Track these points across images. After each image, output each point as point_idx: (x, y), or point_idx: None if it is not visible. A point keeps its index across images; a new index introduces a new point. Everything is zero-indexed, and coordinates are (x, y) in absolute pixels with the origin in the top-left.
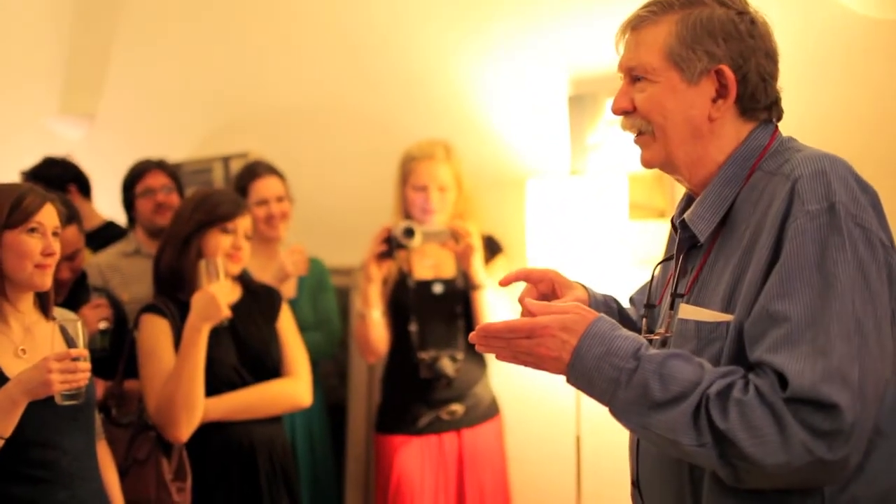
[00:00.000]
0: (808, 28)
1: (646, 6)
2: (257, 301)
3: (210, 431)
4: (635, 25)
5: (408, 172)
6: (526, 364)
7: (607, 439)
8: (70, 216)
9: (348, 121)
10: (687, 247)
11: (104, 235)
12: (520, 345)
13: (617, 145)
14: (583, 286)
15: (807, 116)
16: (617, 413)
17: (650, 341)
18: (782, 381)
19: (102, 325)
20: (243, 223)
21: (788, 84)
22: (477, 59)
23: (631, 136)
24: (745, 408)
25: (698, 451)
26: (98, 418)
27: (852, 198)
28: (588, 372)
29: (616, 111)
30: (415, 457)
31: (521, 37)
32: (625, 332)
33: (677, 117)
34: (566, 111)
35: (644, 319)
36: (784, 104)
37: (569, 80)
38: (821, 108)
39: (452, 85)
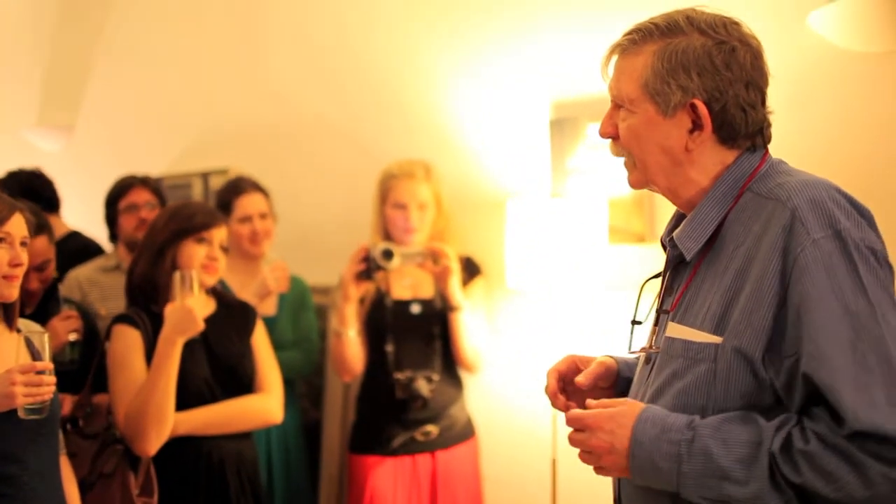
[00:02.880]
0: (789, 62)
1: (629, 32)
2: (231, 315)
3: (178, 446)
4: (620, 52)
5: (387, 190)
6: (589, 462)
7: (583, 463)
8: (40, 226)
9: (328, 139)
10: (674, 265)
11: (69, 246)
12: (574, 438)
13: (597, 169)
14: (607, 356)
15: (789, 149)
16: (690, 491)
17: (636, 357)
18: (836, 417)
19: (72, 337)
20: (219, 234)
21: (773, 118)
22: (459, 81)
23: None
24: (812, 457)
25: None
26: (60, 433)
27: (854, 222)
28: (650, 456)
29: (602, 135)
30: (388, 477)
31: (504, 60)
32: (677, 413)
33: (654, 148)
34: (547, 134)
35: (630, 336)
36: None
37: (550, 103)
38: (804, 140)
39: (434, 106)
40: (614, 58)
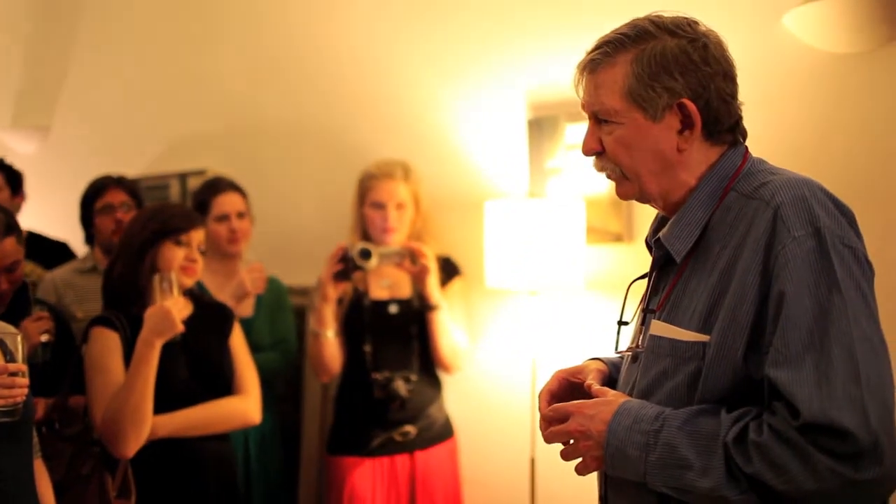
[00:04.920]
0: (766, 64)
1: (598, 47)
2: (209, 317)
3: (156, 448)
4: (591, 68)
5: (366, 190)
6: (568, 457)
7: (562, 461)
8: (9, 226)
9: (307, 141)
10: (660, 265)
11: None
12: (553, 429)
13: (575, 169)
14: (595, 359)
15: (766, 147)
16: (656, 481)
17: (621, 357)
18: (793, 410)
19: (44, 338)
20: (197, 236)
21: (747, 118)
22: (437, 81)
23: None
24: (763, 448)
25: (743, 500)
26: (35, 435)
27: (835, 220)
28: (622, 445)
29: (586, 153)
30: (366, 478)
31: (482, 60)
32: (652, 404)
33: (646, 155)
34: (525, 135)
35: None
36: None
37: (528, 104)
38: (780, 139)
39: (412, 106)
40: (585, 76)
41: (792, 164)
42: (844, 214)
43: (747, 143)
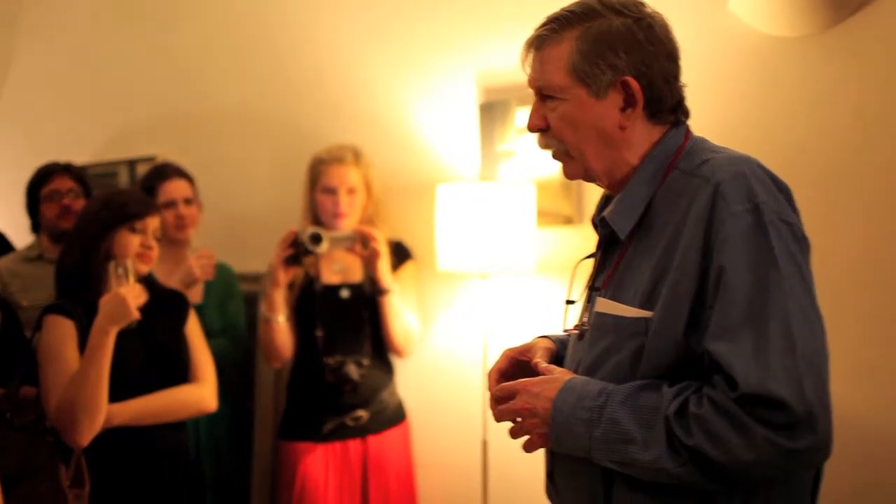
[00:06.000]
0: (711, 46)
1: (545, 24)
2: (164, 305)
3: (111, 436)
4: (538, 45)
5: (317, 175)
6: (516, 435)
7: (514, 443)
8: None
9: (257, 126)
10: (605, 244)
11: None
12: (501, 408)
13: (526, 153)
14: (544, 337)
15: (712, 129)
16: (600, 455)
17: (568, 335)
18: (731, 382)
19: None
20: (152, 222)
21: (689, 96)
22: (388, 65)
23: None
24: (703, 421)
25: (683, 471)
26: None
27: (773, 197)
28: (567, 422)
29: (531, 129)
30: (319, 464)
31: (433, 44)
32: (596, 381)
33: (589, 133)
34: (476, 118)
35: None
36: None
37: (479, 87)
38: (726, 120)
39: (363, 91)
40: (531, 52)
41: (735, 143)
42: (782, 191)
43: (694, 123)
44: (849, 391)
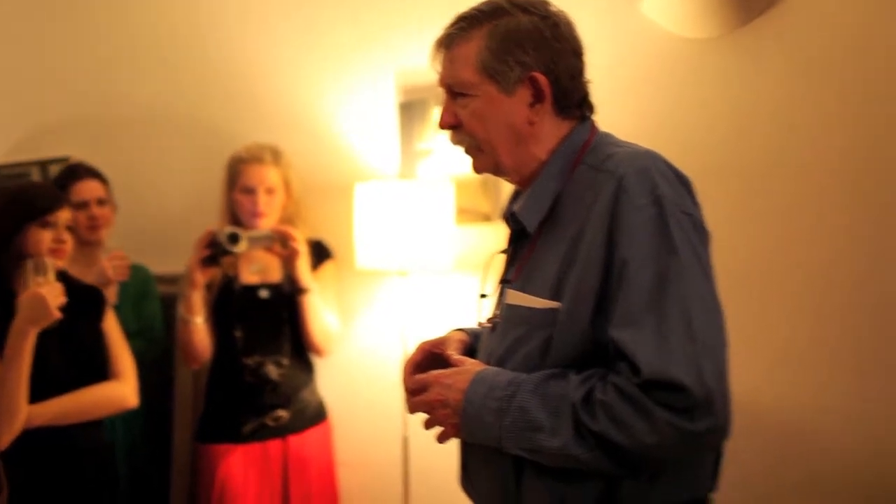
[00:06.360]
0: (621, 45)
1: (454, 23)
2: (81, 301)
3: (31, 437)
4: (448, 44)
5: (235, 175)
6: (429, 426)
7: (434, 439)
8: None
9: (174, 125)
10: (516, 238)
11: None
12: (414, 400)
13: (445, 151)
14: (458, 330)
15: (623, 128)
16: (510, 444)
17: (482, 327)
18: (635, 368)
19: None
20: (64, 215)
21: (604, 97)
22: (307, 64)
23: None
24: (609, 406)
25: (590, 457)
26: None
27: (674, 189)
28: (478, 413)
29: (443, 126)
30: (238, 465)
31: (352, 43)
32: (507, 371)
33: (500, 128)
34: (396, 117)
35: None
36: (596, 116)
37: (398, 86)
38: (637, 120)
39: (282, 90)
40: (441, 52)
41: (646, 140)
42: (683, 184)
43: (607, 121)
44: (755, 379)
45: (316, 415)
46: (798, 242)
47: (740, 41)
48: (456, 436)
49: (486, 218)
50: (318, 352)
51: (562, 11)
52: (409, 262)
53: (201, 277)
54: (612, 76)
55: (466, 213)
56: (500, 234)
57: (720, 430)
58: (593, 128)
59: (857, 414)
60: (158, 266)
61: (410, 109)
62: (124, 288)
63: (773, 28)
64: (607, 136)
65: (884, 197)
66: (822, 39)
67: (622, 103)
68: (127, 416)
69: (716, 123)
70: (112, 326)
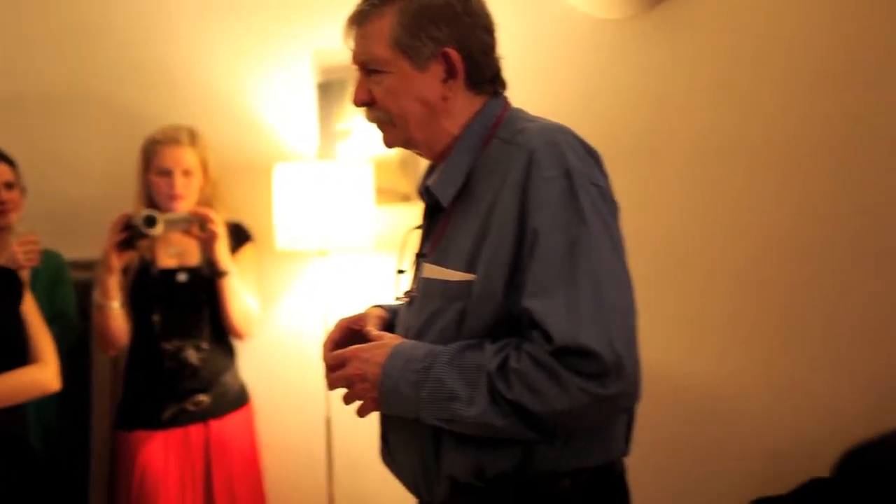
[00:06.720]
0: (537, 25)
1: (366, 0)
2: None
3: None
4: (360, 21)
5: (151, 157)
6: (348, 400)
7: (357, 419)
8: None
9: (88, 107)
10: (431, 213)
11: None
12: (333, 375)
13: (364, 131)
14: (377, 306)
15: (542, 108)
16: (427, 415)
17: (400, 303)
18: (547, 336)
19: None
20: None
21: (518, 76)
22: (224, 44)
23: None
24: (522, 374)
25: (506, 424)
26: None
27: (584, 162)
28: (395, 385)
29: (357, 103)
30: (158, 452)
31: (270, 23)
32: (424, 344)
33: (413, 103)
34: (314, 97)
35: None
36: (512, 95)
37: (317, 66)
38: (549, 96)
39: (199, 71)
40: (354, 29)
41: (559, 116)
42: (592, 156)
43: (522, 98)
44: (665, 345)
45: (237, 399)
46: (711, 217)
47: (653, 21)
48: (375, 409)
49: (406, 198)
50: (238, 335)
51: None
52: (329, 243)
53: (117, 261)
54: (526, 55)
55: (386, 194)
56: (419, 213)
57: (630, 395)
58: (506, 103)
59: (763, 379)
60: (72, 251)
61: (329, 90)
62: (36, 274)
63: (686, 8)
64: (519, 111)
65: (798, 170)
66: (734, 20)
67: (536, 82)
68: (39, 404)
69: (629, 102)
70: (31, 309)
